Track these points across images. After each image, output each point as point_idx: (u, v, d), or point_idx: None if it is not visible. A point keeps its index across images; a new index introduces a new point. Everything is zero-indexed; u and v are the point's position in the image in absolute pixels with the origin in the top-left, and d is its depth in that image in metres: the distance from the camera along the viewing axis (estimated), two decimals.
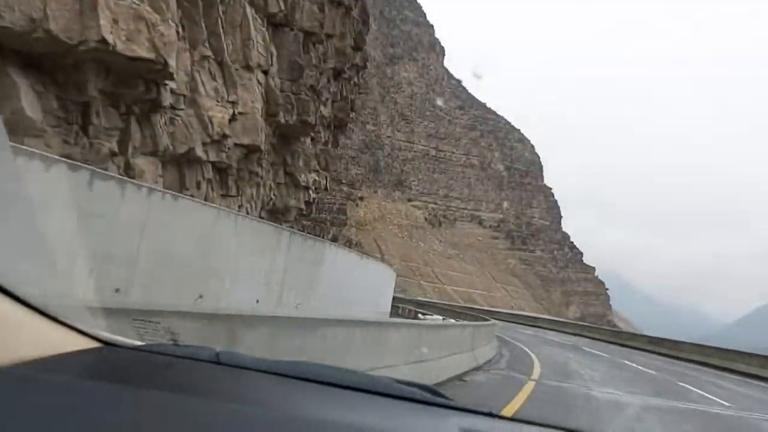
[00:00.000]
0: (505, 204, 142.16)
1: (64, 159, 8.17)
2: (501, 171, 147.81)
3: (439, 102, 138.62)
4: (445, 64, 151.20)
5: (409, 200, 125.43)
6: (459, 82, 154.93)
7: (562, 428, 1.51)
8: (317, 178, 27.73)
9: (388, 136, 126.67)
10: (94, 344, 1.47)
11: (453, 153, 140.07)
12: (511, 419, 1.60)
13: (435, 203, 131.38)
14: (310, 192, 27.06)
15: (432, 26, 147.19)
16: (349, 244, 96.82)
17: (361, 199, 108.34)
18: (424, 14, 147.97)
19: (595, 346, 31.52)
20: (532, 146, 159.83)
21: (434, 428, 1.39)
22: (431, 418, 1.46)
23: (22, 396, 1.05)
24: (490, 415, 1.52)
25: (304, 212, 27.19)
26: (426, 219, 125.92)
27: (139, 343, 1.63)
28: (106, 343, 1.50)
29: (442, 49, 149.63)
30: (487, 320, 21.06)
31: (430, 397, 1.53)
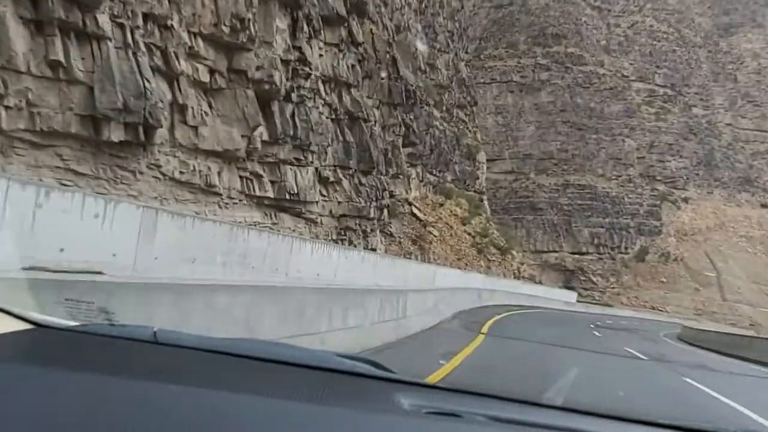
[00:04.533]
0: None
1: None
2: None
3: None
4: None
5: (764, 206, 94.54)
6: None
7: (506, 398, 1.47)
8: None
9: (728, 123, 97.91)
10: (24, 326, 1.42)
11: None
12: (458, 391, 1.51)
13: None
14: None
15: None
16: (666, 258, 73.76)
17: (686, 200, 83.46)
18: None
19: None
20: None
21: (382, 404, 1.30)
22: (377, 392, 1.42)
23: None
24: (434, 387, 1.52)
25: None
26: None
27: (72, 323, 1.56)
28: (38, 325, 1.45)
29: None
30: None
31: (374, 371, 1.51)
